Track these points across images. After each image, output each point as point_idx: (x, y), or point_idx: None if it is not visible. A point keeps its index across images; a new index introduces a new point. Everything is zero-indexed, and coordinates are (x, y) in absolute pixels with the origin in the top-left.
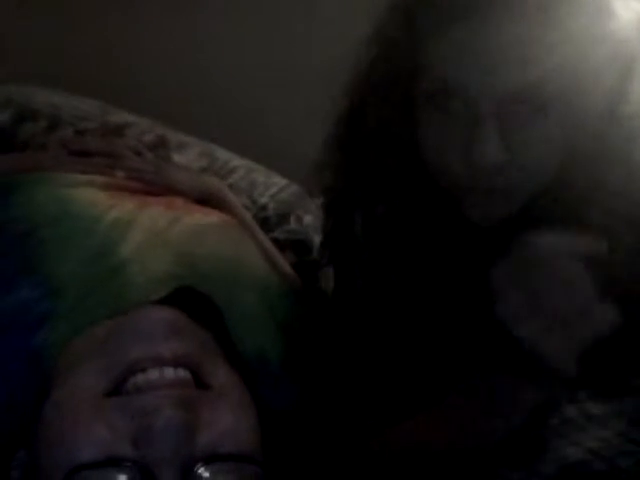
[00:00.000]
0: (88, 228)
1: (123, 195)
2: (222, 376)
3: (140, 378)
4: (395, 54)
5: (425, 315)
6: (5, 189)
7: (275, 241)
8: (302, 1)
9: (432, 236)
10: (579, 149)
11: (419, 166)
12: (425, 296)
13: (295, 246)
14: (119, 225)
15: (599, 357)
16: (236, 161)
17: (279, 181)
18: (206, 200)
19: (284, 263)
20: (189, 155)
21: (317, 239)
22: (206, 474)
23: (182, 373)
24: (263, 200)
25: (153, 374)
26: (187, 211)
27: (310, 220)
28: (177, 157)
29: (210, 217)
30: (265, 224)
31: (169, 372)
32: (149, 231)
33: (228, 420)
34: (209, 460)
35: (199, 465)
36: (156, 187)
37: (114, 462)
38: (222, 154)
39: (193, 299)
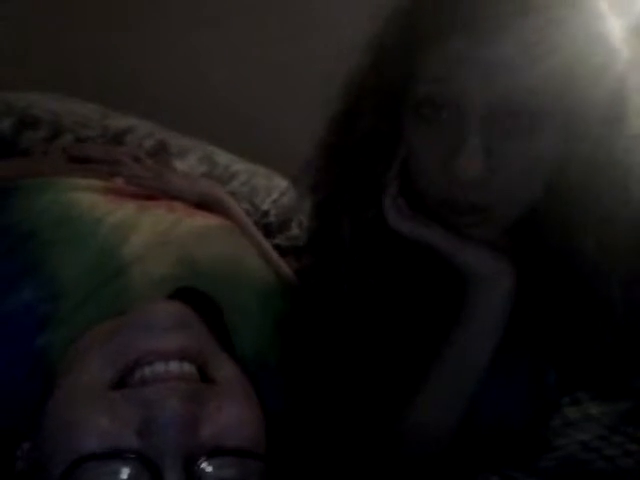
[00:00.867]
0: (90, 231)
1: (123, 199)
2: (227, 371)
3: (146, 371)
4: (389, 62)
5: (407, 319)
6: (7, 193)
7: (277, 248)
8: (299, 5)
9: (419, 248)
10: (571, 168)
11: (407, 174)
12: (408, 301)
13: (296, 252)
14: (121, 228)
15: (599, 359)
16: (237, 165)
17: (280, 184)
18: (205, 205)
19: (284, 266)
20: (190, 161)
21: None
22: (209, 467)
23: (187, 367)
24: (265, 206)
25: (159, 367)
26: (187, 214)
27: None
28: (178, 163)
29: (210, 220)
30: (267, 230)
31: (175, 365)
32: (151, 233)
33: (232, 414)
34: (213, 454)
35: (203, 458)
36: (155, 192)
37: (118, 453)
38: (223, 158)
39: (195, 299)
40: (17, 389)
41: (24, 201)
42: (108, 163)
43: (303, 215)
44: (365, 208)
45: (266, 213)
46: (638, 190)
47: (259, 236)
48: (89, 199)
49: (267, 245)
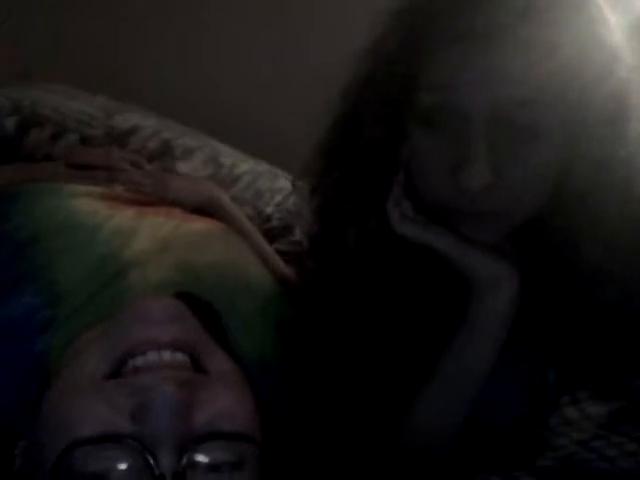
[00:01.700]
0: (89, 237)
1: (122, 205)
2: (220, 363)
3: (139, 360)
4: (392, 68)
5: (410, 322)
6: (7, 199)
7: (279, 253)
8: (302, 7)
9: (423, 255)
10: (575, 171)
11: (409, 179)
12: (412, 304)
13: (299, 258)
14: (120, 234)
15: (599, 359)
16: (242, 166)
17: (285, 185)
18: (204, 210)
19: (285, 270)
20: (194, 162)
21: None
22: (203, 451)
23: (180, 356)
24: (268, 210)
25: (152, 356)
26: (186, 220)
27: None
28: (181, 165)
29: (209, 225)
30: (269, 235)
31: (167, 355)
32: (150, 239)
33: (224, 401)
34: (206, 438)
35: (196, 442)
36: (154, 198)
37: (112, 438)
38: (228, 159)
39: (192, 304)
40: (16, 391)
41: (24, 207)
42: (107, 169)
43: (306, 220)
44: (369, 215)
45: (269, 217)
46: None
47: (260, 240)
48: (89, 205)
49: (268, 249)
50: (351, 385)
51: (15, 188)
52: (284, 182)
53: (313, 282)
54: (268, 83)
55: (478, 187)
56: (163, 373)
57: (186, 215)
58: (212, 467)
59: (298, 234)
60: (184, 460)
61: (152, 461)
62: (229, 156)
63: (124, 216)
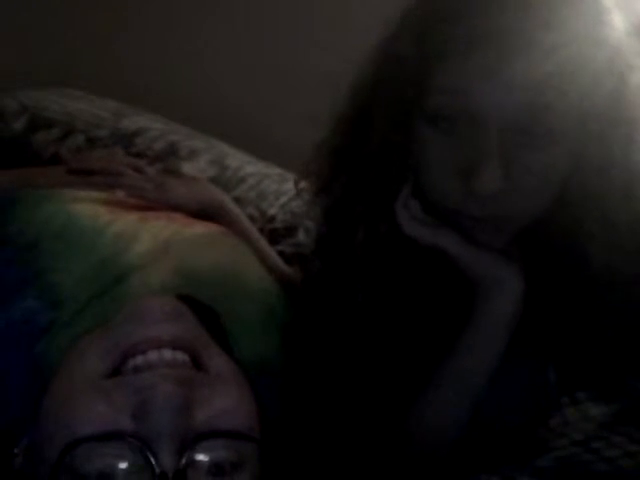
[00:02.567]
0: (91, 241)
1: (123, 210)
2: (220, 361)
3: (139, 359)
4: (404, 70)
5: (416, 323)
6: (8, 203)
7: (281, 254)
8: (307, 7)
9: (430, 256)
10: (581, 173)
11: (418, 185)
12: (418, 305)
13: (302, 260)
14: (121, 238)
15: (599, 359)
16: (248, 168)
17: (291, 188)
18: (206, 213)
19: (287, 273)
20: (199, 163)
21: None
22: (204, 450)
23: (180, 355)
24: (272, 211)
25: (152, 355)
26: (188, 224)
27: None
28: (186, 166)
29: (211, 229)
30: (273, 236)
31: (167, 354)
32: (151, 243)
33: (225, 399)
34: (207, 436)
35: (197, 440)
36: (156, 203)
37: (113, 436)
38: (234, 160)
39: (193, 306)
40: (17, 394)
41: (26, 211)
42: (109, 175)
43: (311, 221)
44: (378, 217)
45: (272, 218)
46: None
47: (261, 243)
48: (90, 210)
49: (270, 252)
50: (355, 385)
51: (16, 193)
52: (291, 185)
53: (319, 283)
54: (272, 85)
55: (490, 193)
56: (163, 371)
57: (187, 219)
58: (213, 466)
59: (302, 235)
60: (185, 458)
61: (153, 459)
62: (236, 158)
63: (125, 220)
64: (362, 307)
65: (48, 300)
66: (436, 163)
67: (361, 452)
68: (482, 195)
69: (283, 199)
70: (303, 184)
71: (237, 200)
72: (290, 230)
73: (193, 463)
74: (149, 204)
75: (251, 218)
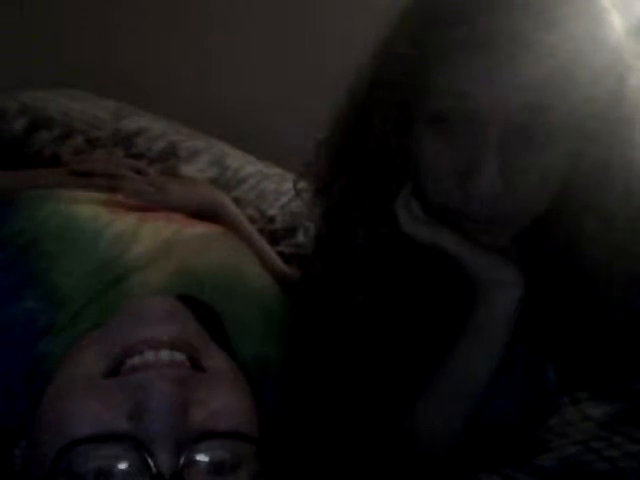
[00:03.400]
0: (90, 242)
1: (123, 211)
2: (218, 361)
3: (137, 360)
4: (403, 72)
5: (416, 323)
6: (8, 204)
7: (281, 255)
8: (307, 10)
9: (430, 257)
10: (580, 173)
11: (418, 186)
12: (418, 306)
13: (301, 260)
14: (121, 238)
15: (599, 359)
16: (248, 168)
17: (291, 188)
18: (206, 215)
19: (286, 273)
20: (199, 164)
21: None
22: (202, 450)
23: (178, 356)
24: (272, 212)
25: (149, 356)
26: (187, 224)
27: None
28: (186, 167)
29: (210, 229)
30: (272, 237)
31: (165, 354)
32: (151, 244)
33: (223, 400)
34: (204, 437)
35: (196, 441)
36: (156, 205)
37: (110, 436)
38: (234, 161)
39: (193, 307)
40: (16, 395)
41: (26, 212)
42: (110, 177)
43: (310, 222)
44: (378, 218)
45: (272, 219)
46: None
47: (261, 244)
48: (90, 210)
49: (269, 253)
50: (355, 385)
51: (16, 194)
52: (291, 185)
53: (320, 284)
54: (273, 85)
55: (488, 194)
56: (160, 371)
57: (187, 220)
58: (211, 466)
59: (301, 236)
60: (182, 459)
61: (150, 460)
62: (237, 159)
63: (125, 221)
64: (362, 307)
65: (48, 301)
66: (435, 164)
67: (361, 451)
68: (481, 195)
69: (283, 200)
70: (303, 184)
71: (237, 200)
72: (290, 231)
73: (191, 463)
74: (149, 205)
75: (251, 219)
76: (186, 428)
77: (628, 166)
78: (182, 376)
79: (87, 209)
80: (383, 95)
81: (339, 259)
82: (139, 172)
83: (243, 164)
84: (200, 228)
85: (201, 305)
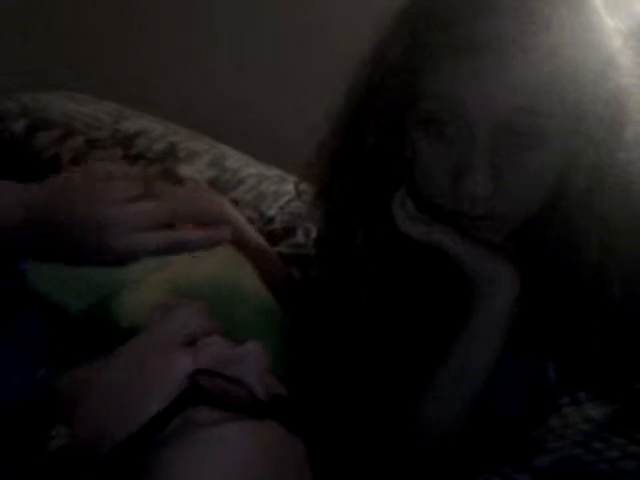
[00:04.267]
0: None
1: None
2: None
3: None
4: (395, 77)
5: (417, 322)
6: None
7: (280, 255)
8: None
9: (427, 256)
10: (575, 173)
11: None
12: (418, 305)
13: (301, 261)
14: None
15: (600, 359)
16: (247, 169)
17: (291, 189)
18: (205, 221)
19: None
20: (198, 165)
21: None
22: None
23: None
24: (271, 212)
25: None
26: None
27: None
28: (185, 168)
29: None
30: (271, 237)
31: None
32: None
33: None
34: None
35: None
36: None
37: None
38: (233, 162)
39: None
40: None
41: None
42: None
43: (310, 222)
44: (377, 220)
45: (271, 219)
46: (638, 189)
47: (261, 248)
48: None
49: (270, 257)
50: (357, 385)
51: None
52: (290, 186)
53: (321, 286)
54: (273, 85)
55: (480, 194)
56: None
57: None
58: None
59: (300, 237)
60: None
61: None
62: (236, 160)
63: None
64: (364, 309)
65: (52, 322)
66: (429, 166)
67: (363, 451)
68: (473, 195)
69: (282, 201)
70: (303, 186)
71: (236, 201)
72: (289, 231)
73: None
74: None
75: (250, 219)
76: None
77: (624, 167)
78: None
79: None
80: (377, 100)
81: (340, 261)
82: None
83: (242, 165)
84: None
85: None
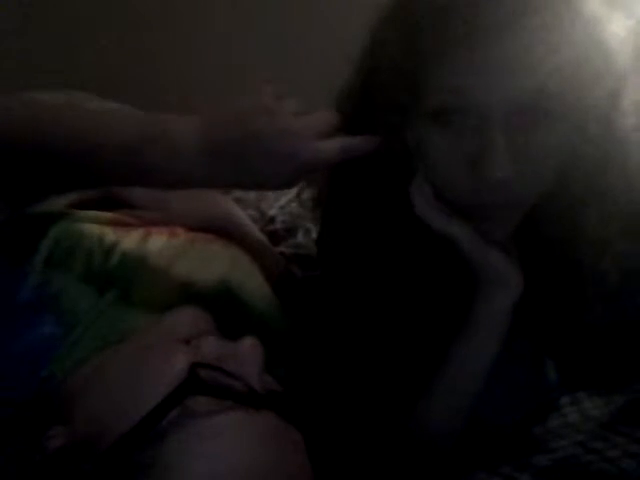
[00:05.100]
0: (100, 263)
1: (127, 229)
2: None
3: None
4: (396, 75)
5: (419, 319)
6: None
7: (281, 255)
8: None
9: (431, 254)
10: (577, 155)
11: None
12: (421, 302)
13: (301, 261)
14: (127, 259)
15: (600, 359)
16: None
17: (291, 189)
18: (210, 225)
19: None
20: None
21: None
22: None
23: None
24: (271, 212)
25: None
26: (190, 239)
27: None
28: None
29: (213, 243)
30: (272, 238)
31: None
32: (153, 263)
33: None
34: None
35: None
36: (157, 219)
37: None
38: None
39: None
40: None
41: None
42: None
43: (310, 222)
44: (377, 219)
45: (272, 219)
46: (637, 171)
47: (264, 247)
48: (96, 230)
49: (272, 254)
50: (357, 385)
51: (24, 212)
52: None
53: (323, 284)
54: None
55: (502, 177)
56: None
57: (190, 234)
58: None
59: (301, 236)
60: None
61: None
62: None
63: (130, 240)
64: (364, 309)
65: (65, 325)
66: (442, 159)
67: (363, 450)
68: (495, 180)
69: (283, 200)
70: (304, 185)
71: (237, 201)
72: (289, 231)
73: None
74: (151, 219)
75: (251, 219)
76: None
77: (626, 163)
78: None
79: (93, 229)
80: (378, 101)
81: (341, 261)
82: None
83: None
84: (203, 243)
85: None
